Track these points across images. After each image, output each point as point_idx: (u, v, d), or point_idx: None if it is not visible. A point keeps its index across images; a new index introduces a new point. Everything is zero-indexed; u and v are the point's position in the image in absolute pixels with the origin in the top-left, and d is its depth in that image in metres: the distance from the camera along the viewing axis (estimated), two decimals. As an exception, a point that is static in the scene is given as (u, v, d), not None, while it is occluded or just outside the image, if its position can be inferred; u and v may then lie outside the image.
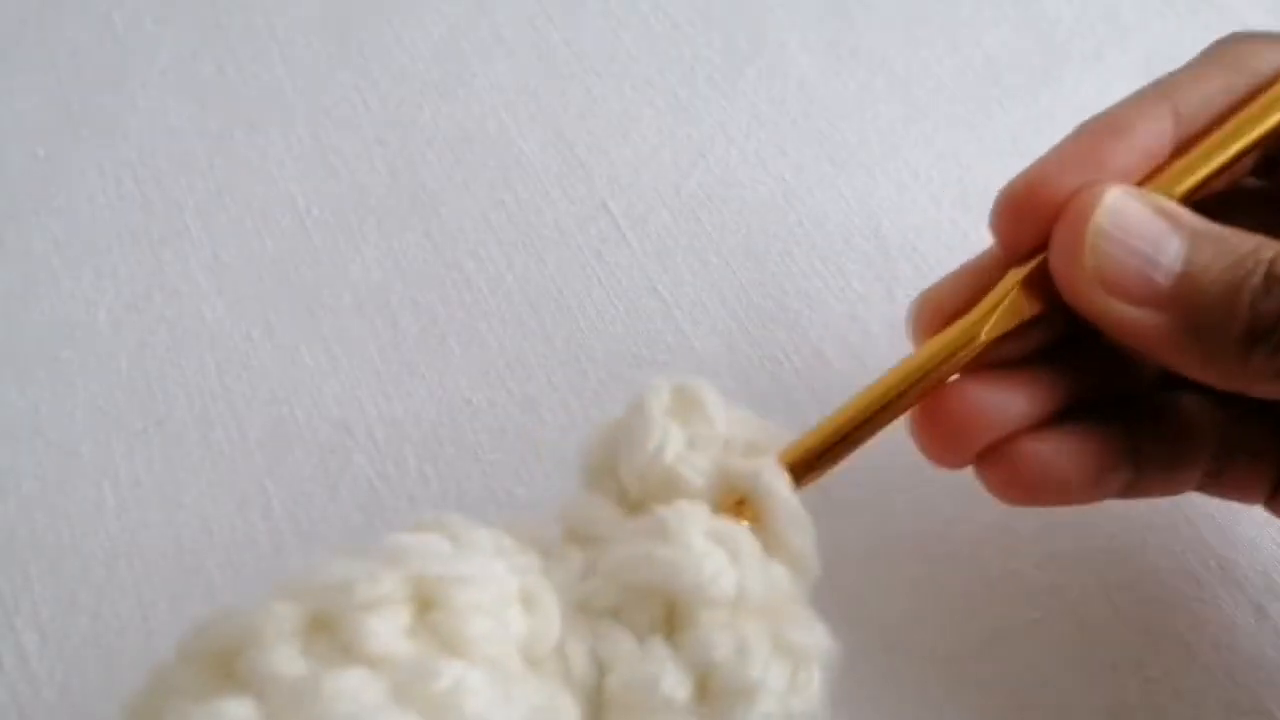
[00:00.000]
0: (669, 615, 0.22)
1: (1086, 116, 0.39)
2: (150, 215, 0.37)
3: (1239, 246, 0.22)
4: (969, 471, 0.26)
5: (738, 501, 0.23)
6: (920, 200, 0.37)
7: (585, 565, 0.23)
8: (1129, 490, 0.26)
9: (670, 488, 0.23)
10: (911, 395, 0.24)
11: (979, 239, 0.36)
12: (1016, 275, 0.24)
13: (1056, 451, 0.25)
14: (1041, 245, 0.24)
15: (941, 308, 0.25)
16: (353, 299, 0.35)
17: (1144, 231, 0.23)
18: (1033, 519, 0.30)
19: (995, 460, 0.25)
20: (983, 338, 0.24)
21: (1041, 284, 0.24)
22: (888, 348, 0.34)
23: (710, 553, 0.22)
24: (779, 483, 0.23)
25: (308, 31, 0.42)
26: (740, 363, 0.34)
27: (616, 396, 0.33)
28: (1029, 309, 0.24)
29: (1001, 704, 0.29)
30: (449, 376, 0.34)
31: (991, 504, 0.26)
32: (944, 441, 0.25)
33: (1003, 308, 0.24)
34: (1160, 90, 0.25)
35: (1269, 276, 0.22)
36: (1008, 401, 0.25)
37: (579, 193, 0.38)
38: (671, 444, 0.23)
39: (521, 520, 0.23)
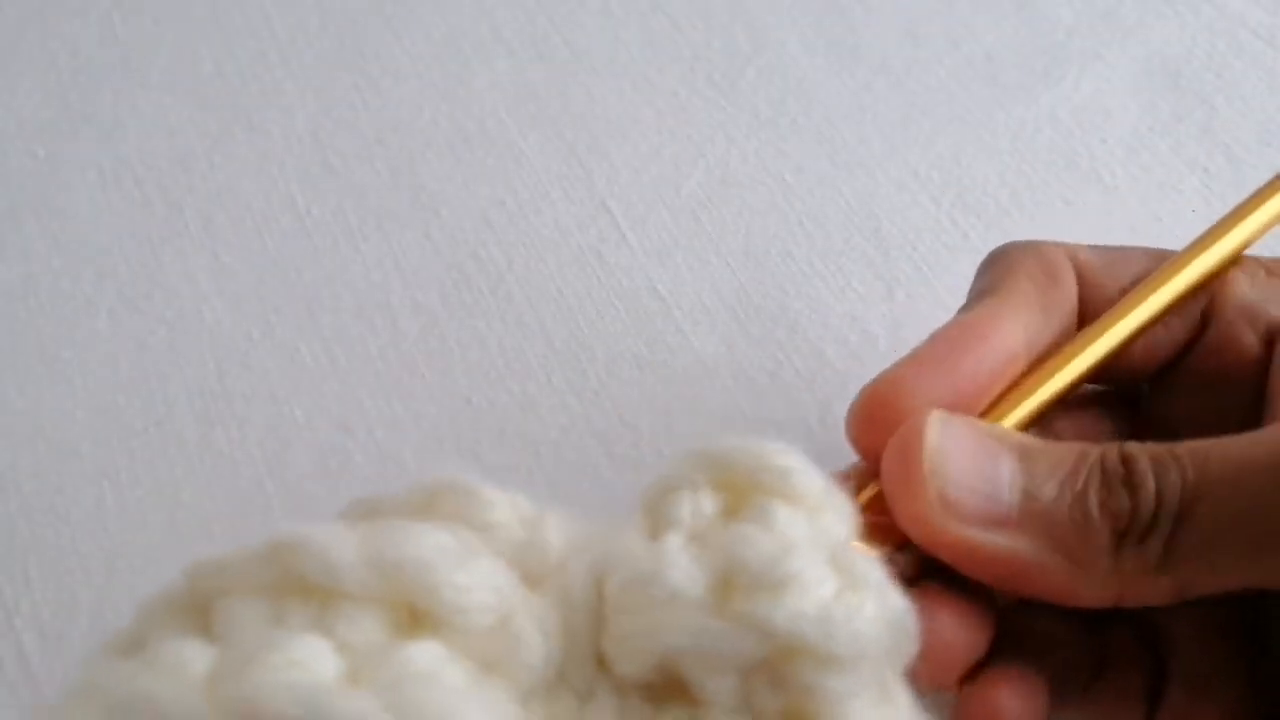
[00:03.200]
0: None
1: (1086, 116, 0.39)
2: (150, 215, 0.38)
3: (1066, 457, 0.22)
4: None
5: None
6: (920, 200, 0.37)
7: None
8: None
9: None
10: None
11: (979, 239, 0.36)
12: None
13: (1015, 696, 0.23)
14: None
15: None
16: (353, 299, 0.35)
17: (976, 455, 0.22)
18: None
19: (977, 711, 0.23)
20: None
21: (883, 522, 0.22)
22: (888, 348, 0.34)
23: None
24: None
25: (308, 31, 0.42)
26: (740, 363, 0.34)
27: (616, 396, 0.33)
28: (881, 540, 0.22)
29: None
30: (449, 376, 0.34)
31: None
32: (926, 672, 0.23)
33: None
34: (1002, 301, 0.25)
35: (1104, 477, 0.21)
36: (960, 628, 0.23)
37: (579, 193, 0.38)
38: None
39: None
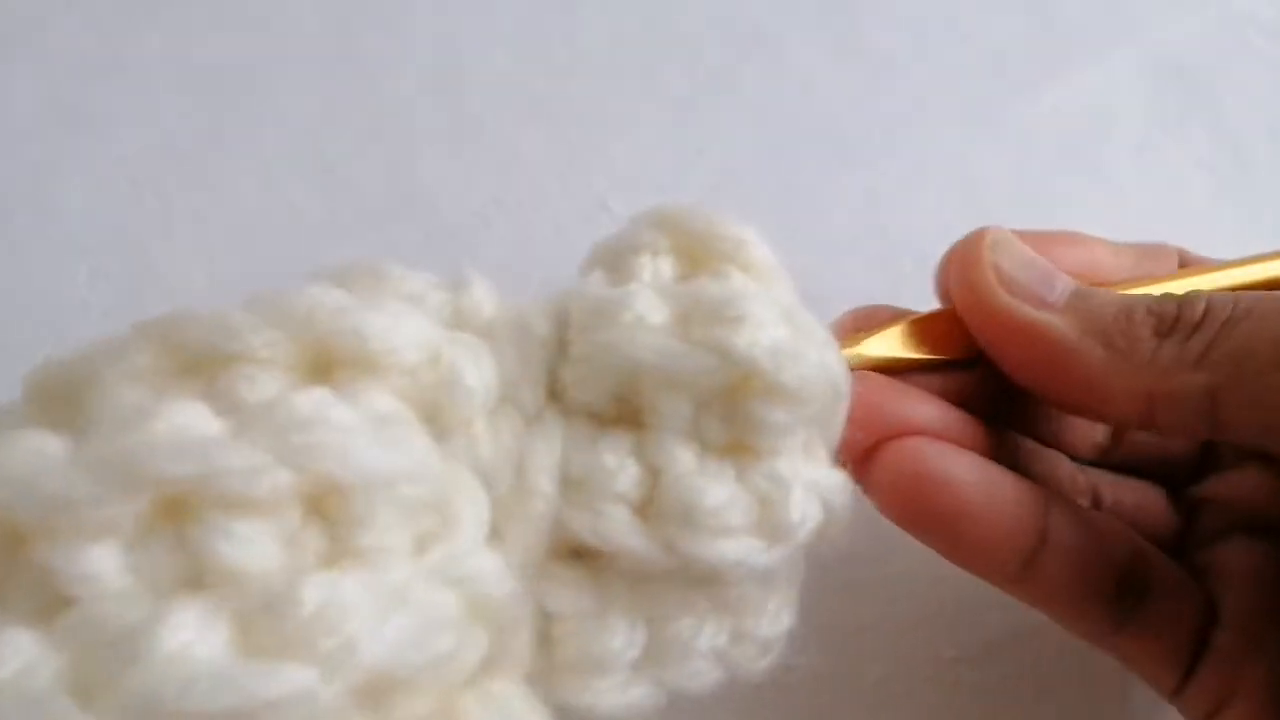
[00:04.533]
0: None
1: (1091, 112, 0.38)
2: (144, 214, 0.37)
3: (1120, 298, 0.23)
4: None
5: None
6: (925, 197, 0.37)
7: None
8: (1023, 579, 0.23)
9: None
10: None
11: (985, 236, 0.36)
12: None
13: (960, 463, 0.22)
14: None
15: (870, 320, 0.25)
16: (349, 298, 0.35)
17: (1034, 262, 0.23)
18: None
19: (892, 450, 0.23)
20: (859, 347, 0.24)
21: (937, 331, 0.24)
22: (892, 347, 0.33)
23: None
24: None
25: (303, 28, 0.42)
26: (742, 362, 0.33)
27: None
28: (921, 349, 0.24)
29: (1006, 710, 0.29)
30: (446, 377, 0.33)
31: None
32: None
33: (893, 333, 0.24)
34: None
35: (1158, 300, 0.22)
36: (919, 405, 0.24)
37: (578, 191, 0.37)
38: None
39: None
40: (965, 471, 0.22)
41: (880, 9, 0.41)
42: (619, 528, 0.19)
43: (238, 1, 0.42)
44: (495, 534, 0.19)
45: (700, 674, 0.20)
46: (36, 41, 0.42)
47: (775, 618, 0.21)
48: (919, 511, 0.23)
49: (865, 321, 0.25)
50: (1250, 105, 0.39)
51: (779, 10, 0.41)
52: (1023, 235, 0.25)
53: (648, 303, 0.20)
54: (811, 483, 0.20)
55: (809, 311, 0.22)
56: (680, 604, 0.20)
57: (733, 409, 0.20)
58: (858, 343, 0.24)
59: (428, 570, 0.17)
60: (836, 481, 0.21)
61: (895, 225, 0.36)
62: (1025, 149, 0.38)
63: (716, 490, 0.19)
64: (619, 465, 0.19)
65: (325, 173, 0.38)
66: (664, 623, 0.20)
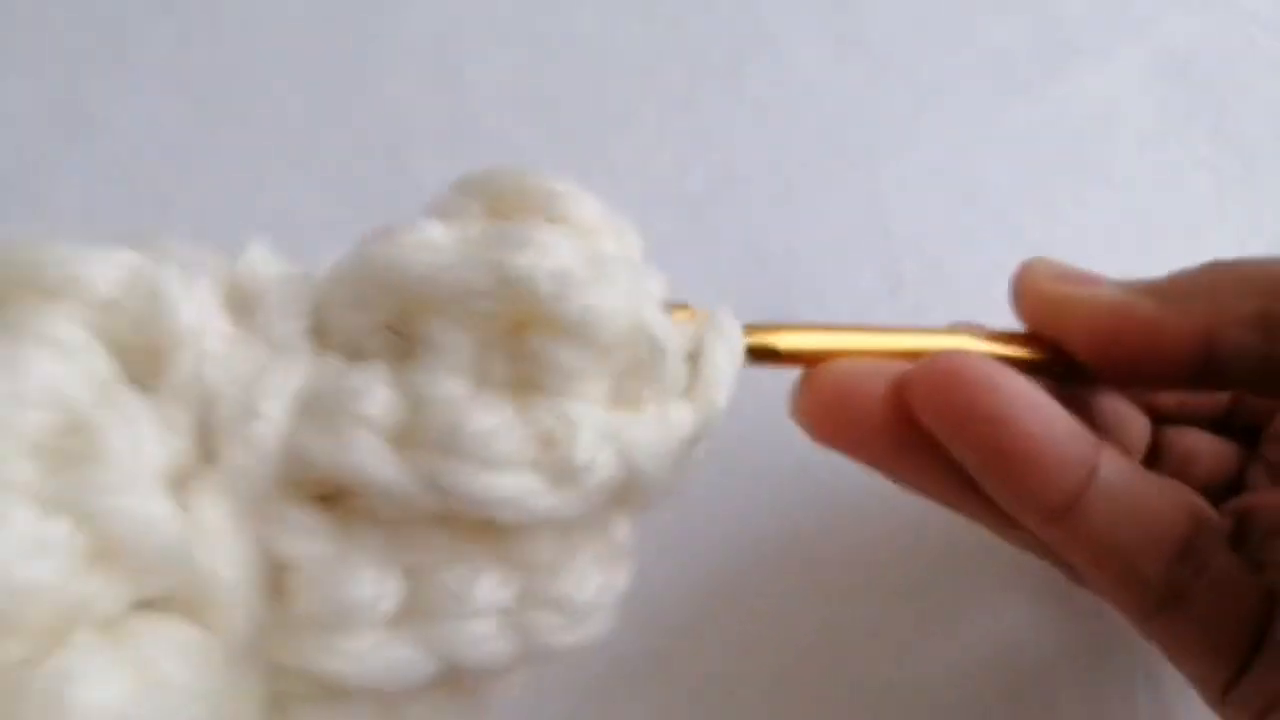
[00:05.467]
0: None
1: (1094, 112, 0.38)
2: (141, 214, 0.37)
3: None
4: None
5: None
6: (927, 196, 0.36)
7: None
8: (1066, 516, 0.21)
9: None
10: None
11: (987, 235, 0.36)
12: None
13: (1007, 374, 0.22)
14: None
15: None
16: (348, 299, 0.35)
17: (1077, 267, 0.26)
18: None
19: (937, 356, 0.22)
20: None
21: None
22: (893, 347, 0.33)
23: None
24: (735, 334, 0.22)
25: (301, 26, 0.42)
26: (743, 363, 0.33)
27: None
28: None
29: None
30: (445, 377, 0.33)
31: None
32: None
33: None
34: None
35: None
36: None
37: (578, 190, 0.37)
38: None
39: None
40: (1012, 381, 0.21)
41: (882, 8, 0.41)
42: (364, 455, 0.17)
43: (237, 1, 0.42)
44: (196, 471, 0.17)
45: (484, 639, 0.18)
46: (36, 41, 0.42)
47: (582, 580, 0.19)
48: (959, 410, 0.21)
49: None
50: (1254, 104, 0.38)
51: (780, 10, 0.41)
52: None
53: (436, 231, 0.19)
54: (609, 430, 0.18)
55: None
56: (448, 552, 0.18)
57: (519, 347, 0.18)
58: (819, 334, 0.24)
59: (41, 495, 0.15)
60: (647, 438, 0.19)
61: (896, 225, 0.36)
62: (1027, 149, 0.37)
63: (485, 417, 0.17)
64: (366, 387, 0.18)
65: (324, 172, 0.38)
66: (427, 572, 0.18)
